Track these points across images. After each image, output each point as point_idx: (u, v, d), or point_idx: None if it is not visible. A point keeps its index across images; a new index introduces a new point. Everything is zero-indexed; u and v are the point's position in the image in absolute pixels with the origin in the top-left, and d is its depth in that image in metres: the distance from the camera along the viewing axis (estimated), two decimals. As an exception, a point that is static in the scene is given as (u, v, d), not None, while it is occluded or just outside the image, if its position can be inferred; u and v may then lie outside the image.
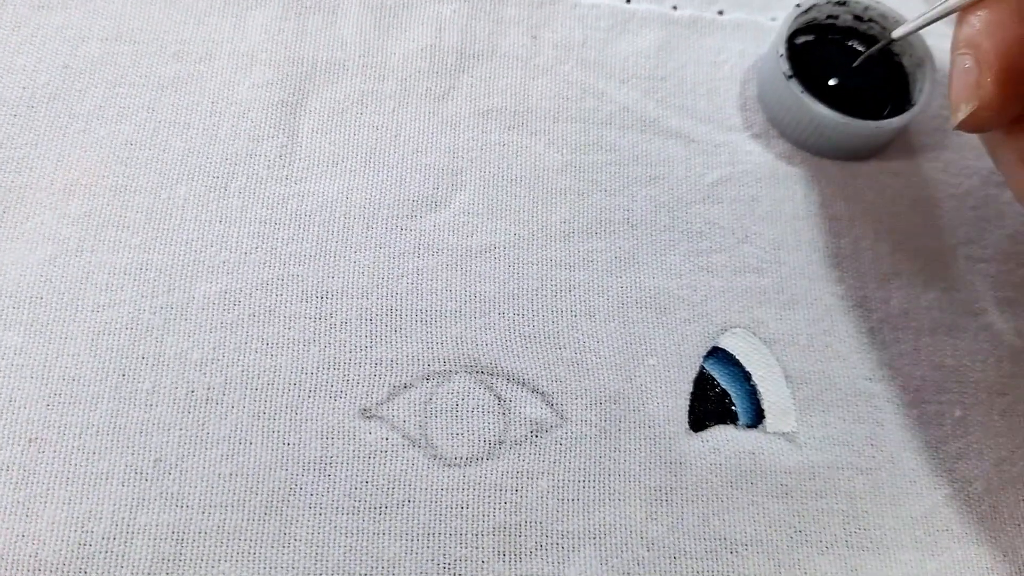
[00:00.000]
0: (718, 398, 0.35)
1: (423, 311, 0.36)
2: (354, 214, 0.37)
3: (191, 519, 0.32)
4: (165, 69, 0.39)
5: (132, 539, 0.31)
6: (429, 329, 0.35)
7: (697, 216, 0.39)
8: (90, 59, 0.39)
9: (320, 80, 0.40)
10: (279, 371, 0.34)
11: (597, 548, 0.33)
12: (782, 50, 0.39)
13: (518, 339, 0.35)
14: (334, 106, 0.39)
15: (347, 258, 0.36)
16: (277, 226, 0.37)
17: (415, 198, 0.38)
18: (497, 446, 0.34)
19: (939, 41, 0.44)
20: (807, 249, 0.39)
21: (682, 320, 0.37)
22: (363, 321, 0.35)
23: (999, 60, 0.28)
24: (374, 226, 0.37)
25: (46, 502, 0.31)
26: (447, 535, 0.32)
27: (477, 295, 0.36)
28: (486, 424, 0.34)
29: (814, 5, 0.41)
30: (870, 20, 0.41)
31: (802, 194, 0.40)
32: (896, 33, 0.32)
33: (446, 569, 0.32)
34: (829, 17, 0.42)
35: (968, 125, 0.29)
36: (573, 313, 0.36)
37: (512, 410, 0.34)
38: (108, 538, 0.31)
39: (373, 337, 0.35)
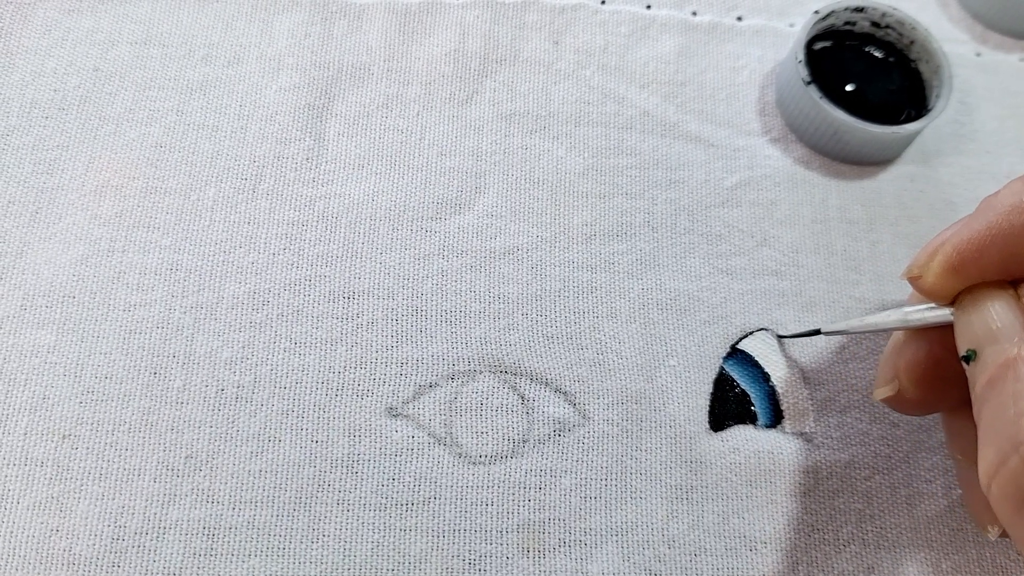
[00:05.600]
0: (738, 399, 0.36)
1: (448, 312, 0.36)
2: (380, 216, 0.38)
3: (222, 515, 0.32)
4: (194, 73, 0.40)
5: (164, 534, 0.32)
6: (454, 329, 0.36)
7: (717, 219, 0.39)
8: (120, 62, 0.40)
9: (346, 84, 0.41)
10: (307, 370, 0.35)
11: (619, 545, 0.33)
12: (801, 56, 0.40)
13: (541, 340, 0.36)
14: (360, 110, 0.40)
15: (373, 259, 0.37)
16: (304, 227, 0.37)
17: (439, 200, 0.38)
18: (521, 445, 0.34)
19: (955, 47, 0.44)
20: (825, 252, 0.39)
21: (702, 322, 0.37)
22: (389, 321, 0.36)
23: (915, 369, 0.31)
24: (399, 228, 0.38)
25: (79, 497, 0.32)
26: (472, 532, 0.33)
27: (501, 296, 0.37)
28: (510, 423, 0.34)
29: (832, 12, 0.41)
30: (887, 27, 0.42)
31: (820, 198, 0.40)
32: (826, 328, 0.34)
33: (471, 565, 0.32)
34: (847, 23, 0.42)
35: (888, 404, 0.32)
36: (595, 314, 0.37)
37: (536, 409, 0.35)
38: (140, 533, 0.32)
39: (399, 337, 0.36)
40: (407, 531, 0.33)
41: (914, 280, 0.29)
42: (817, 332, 0.34)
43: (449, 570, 0.32)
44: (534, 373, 0.35)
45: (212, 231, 0.37)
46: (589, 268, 0.38)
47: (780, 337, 0.37)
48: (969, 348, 0.27)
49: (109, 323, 0.35)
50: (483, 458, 0.34)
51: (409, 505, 0.33)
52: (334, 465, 0.33)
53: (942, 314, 0.29)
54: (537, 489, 0.34)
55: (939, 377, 0.30)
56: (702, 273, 0.38)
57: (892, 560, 0.34)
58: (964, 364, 0.27)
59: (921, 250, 0.29)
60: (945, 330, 0.29)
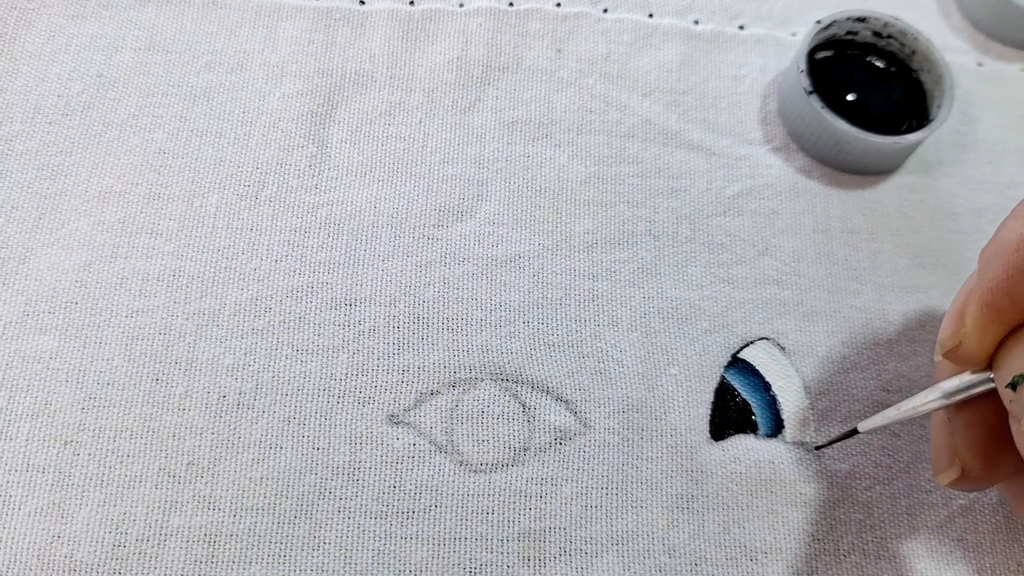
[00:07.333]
0: (738, 408, 0.36)
1: (449, 319, 0.36)
2: (382, 223, 0.38)
3: (223, 522, 0.32)
4: (197, 79, 0.40)
5: (165, 541, 0.32)
6: (455, 337, 0.36)
7: (718, 228, 0.39)
8: (124, 68, 0.40)
9: (349, 91, 0.41)
10: (309, 377, 0.35)
11: (620, 554, 0.33)
12: (803, 66, 0.40)
13: (542, 348, 0.36)
14: (362, 117, 0.40)
15: (375, 266, 0.37)
16: (307, 234, 0.37)
17: (442, 208, 0.38)
18: (522, 453, 0.34)
19: (957, 57, 0.45)
20: (826, 262, 0.39)
21: (703, 331, 0.37)
22: (391, 328, 0.36)
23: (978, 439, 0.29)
24: (402, 235, 0.38)
25: (81, 504, 0.32)
26: (473, 540, 0.33)
27: (502, 304, 0.37)
28: (511, 431, 0.34)
29: (834, 21, 0.41)
30: (889, 36, 0.42)
31: (821, 207, 0.40)
32: (862, 426, 0.33)
33: (472, 574, 0.32)
34: (849, 33, 0.42)
35: (955, 487, 0.31)
36: (596, 323, 0.37)
37: (537, 417, 0.35)
38: (142, 540, 0.32)
39: (400, 344, 0.36)
40: (408, 539, 0.33)
41: (953, 353, 0.28)
42: (855, 432, 0.33)
43: (450, 578, 0.32)
44: (535, 381, 0.35)
45: (215, 237, 0.37)
46: (591, 276, 0.38)
47: (818, 448, 0.36)
48: (1016, 375, 0.26)
49: (111, 329, 0.35)
50: (484, 466, 0.34)
51: (410, 513, 0.33)
52: (335, 473, 0.33)
53: (982, 378, 0.28)
54: (538, 498, 0.34)
55: (1000, 446, 0.29)
56: (703, 282, 0.38)
57: (892, 571, 0.34)
58: (1011, 392, 0.26)
59: (945, 325, 0.28)
60: (991, 396, 0.28)
